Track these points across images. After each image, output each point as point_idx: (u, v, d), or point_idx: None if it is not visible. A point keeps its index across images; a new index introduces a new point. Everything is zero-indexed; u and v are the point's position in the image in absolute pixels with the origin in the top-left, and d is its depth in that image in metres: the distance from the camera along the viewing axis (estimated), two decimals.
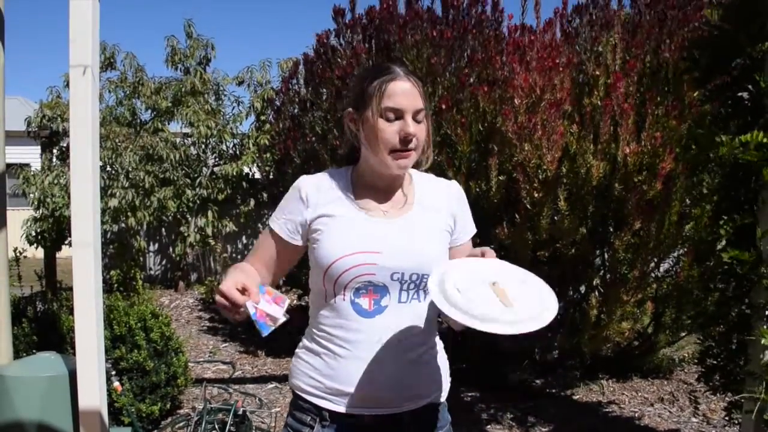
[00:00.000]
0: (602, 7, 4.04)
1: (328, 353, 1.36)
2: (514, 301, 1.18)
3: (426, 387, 1.40)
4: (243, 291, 1.19)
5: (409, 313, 1.35)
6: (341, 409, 1.35)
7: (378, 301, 1.33)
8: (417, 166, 1.45)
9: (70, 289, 2.36)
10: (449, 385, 1.48)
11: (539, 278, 1.29)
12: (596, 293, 3.90)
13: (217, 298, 1.19)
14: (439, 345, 1.47)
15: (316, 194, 1.39)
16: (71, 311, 3.23)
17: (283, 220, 1.41)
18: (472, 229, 1.50)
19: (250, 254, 1.46)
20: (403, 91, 1.33)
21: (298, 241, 1.40)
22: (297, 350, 1.46)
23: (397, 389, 1.35)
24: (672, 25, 3.70)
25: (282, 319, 1.20)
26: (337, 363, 1.34)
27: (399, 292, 1.34)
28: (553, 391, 4.47)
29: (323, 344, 1.37)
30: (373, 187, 1.41)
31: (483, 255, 1.31)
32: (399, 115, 1.32)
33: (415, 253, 1.34)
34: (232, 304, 1.17)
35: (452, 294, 1.18)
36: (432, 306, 1.37)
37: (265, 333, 1.18)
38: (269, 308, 1.19)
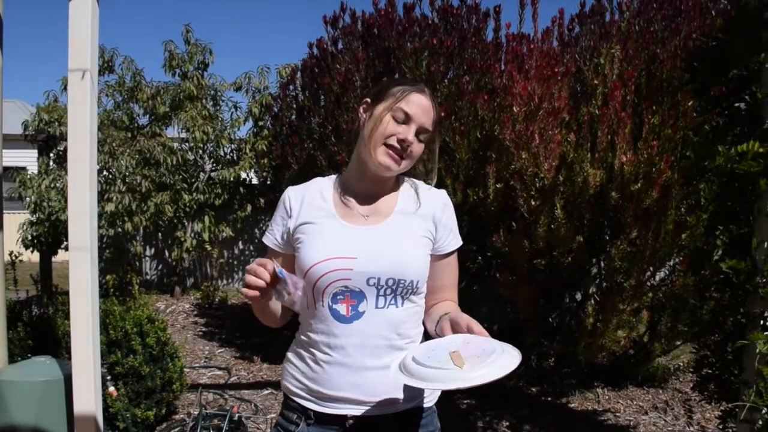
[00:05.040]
0: (600, 15, 4.06)
1: (311, 358, 1.40)
2: (467, 362, 1.16)
3: (408, 391, 1.41)
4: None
5: (387, 319, 1.37)
6: (325, 409, 1.39)
7: (355, 307, 1.35)
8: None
9: (66, 293, 2.36)
10: (438, 391, 1.48)
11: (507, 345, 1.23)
12: (592, 301, 3.90)
13: (248, 267, 1.28)
14: None
15: (299, 204, 1.45)
16: (67, 315, 3.22)
17: (271, 232, 1.48)
18: (457, 242, 1.50)
19: None
20: (420, 104, 1.40)
21: (287, 250, 1.45)
22: (287, 353, 1.50)
23: (378, 393, 1.37)
24: (662, 35, 3.72)
25: (299, 292, 1.29)
26: (320, 367, 1.38)
27: (376, 297, 1.35)
28: (549, 398, 4.47)
29: (308, 349, 1.41)
30: (357, 193, 1.45)
31: (469, 328, 1.28)
32: (406, 121, 1.39)
33: (391, 259, 1.35)
34: (261, 265, 1.26)
35: (408, 364, 1.22)
36: (411, 312, 1.41)
37: (281, 276, 1.27)
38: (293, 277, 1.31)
